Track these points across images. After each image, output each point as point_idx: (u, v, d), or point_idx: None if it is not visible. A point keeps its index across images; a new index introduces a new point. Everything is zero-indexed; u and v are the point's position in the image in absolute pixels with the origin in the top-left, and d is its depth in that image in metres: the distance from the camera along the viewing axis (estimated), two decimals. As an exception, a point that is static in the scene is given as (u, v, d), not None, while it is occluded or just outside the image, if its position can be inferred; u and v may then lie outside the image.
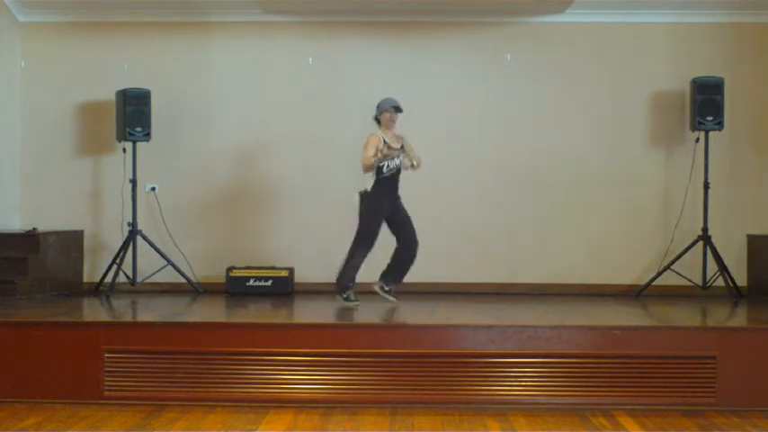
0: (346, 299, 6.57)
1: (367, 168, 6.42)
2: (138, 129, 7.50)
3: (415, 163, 6.53)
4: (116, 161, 7.78)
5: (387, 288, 6.75)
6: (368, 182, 6.51)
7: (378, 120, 6.60)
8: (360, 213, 6.56)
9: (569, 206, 7.76)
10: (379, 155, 6.33)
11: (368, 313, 6.08)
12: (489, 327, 5.64)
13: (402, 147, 6.58)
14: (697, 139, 7.50)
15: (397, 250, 6.71)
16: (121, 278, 7.49)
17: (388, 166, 6.46)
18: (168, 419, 5.19)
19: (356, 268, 6.58)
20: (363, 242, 6.54)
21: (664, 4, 7.67)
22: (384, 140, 6.47)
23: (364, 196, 6.52)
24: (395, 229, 6.67)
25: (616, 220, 7.75)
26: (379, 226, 6.56)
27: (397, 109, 6.56)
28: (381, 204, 6.52)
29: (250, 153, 7.91)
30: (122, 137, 7.54)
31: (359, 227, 6.57)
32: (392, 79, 7.63)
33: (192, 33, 7.93)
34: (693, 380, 5.49)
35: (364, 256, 6.58)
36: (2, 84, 7.81)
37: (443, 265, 7.70)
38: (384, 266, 6.76)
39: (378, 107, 6.60)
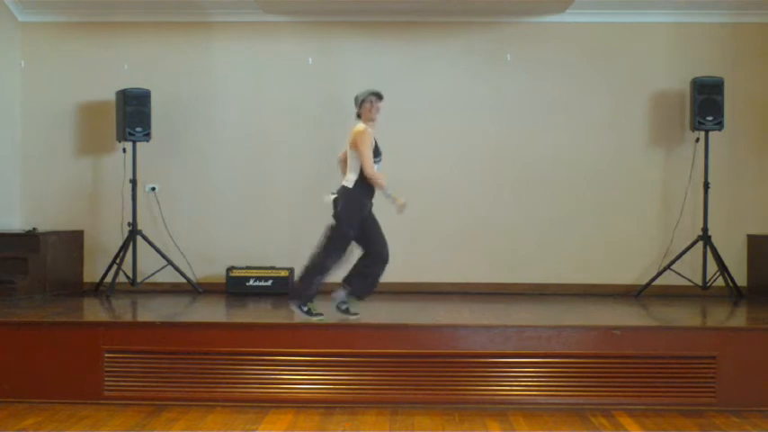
0: (308, 312, 5.82)
1: (374, 180, 5.74)
2: (138, 129, 7.51)
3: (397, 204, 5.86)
4: (116, 161, 7.78)
5: (344, 307, 5.95)
6: (343, 180, 5.93)
7: (359, 114, 5.90)
8: (337, 214, 5.85)
9: (569, 206, 7.76)
10: (395, 195, 5.73)
11: (367, 313, 6.07)
12: (489, 327, 5.65)
13: None
14: (697, 139, 7.50)
15: (363, 262, 5.95)
16: (121, 278, 7.49)
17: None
18: (168, 419, 5.19)
19: (325, 276, 5.86)
20: (340, 247, 5.82)
21: (664, 4, 7.68)
22: (375, 140, 5.83)
23: (342, 195, 5.84)
24: (363, 238, 5.91)
25: (616, 219, 7.75)
26: (356, 230, 5.83)
27: (378, 95, 5.86)
28: (363, 205, 5.87)
29: (250, 153, 7.91)
30: (122, 137, 7.54)
31: (334, 230, 5.84)
32: (392, 79, 7.63)
33: (192, 33, 7.93)
34: (693, 380, 5.49)
35: (336, 264, 5.85)
36: (2, 84, 7.81)
37: (443, 265, 7.70)
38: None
39: (356, 100, 5.91)
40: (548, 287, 7.68)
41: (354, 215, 5.83)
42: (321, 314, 5.84)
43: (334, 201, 5.90)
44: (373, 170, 5.76)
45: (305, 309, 5.84)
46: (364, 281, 5.95)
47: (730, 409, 5.41)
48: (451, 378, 5.53)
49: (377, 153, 5.86)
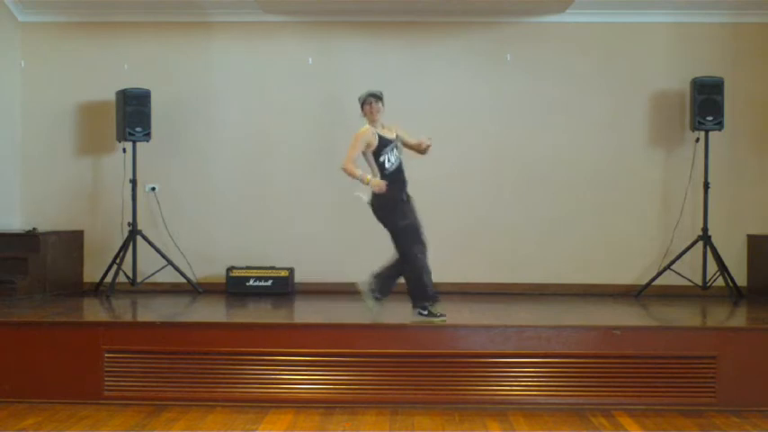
0: (429, 314, 5.85)
1: (347, 172, 5.84)
2: (138, 129, 7.50)
3: (422, 142, 6.03)
4: (116, 161, 7.78)
5: (378, 296, 6.05)
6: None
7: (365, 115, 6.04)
8: (383, 219, 5.92)
9: (569, 206, 7.76)
10: (366, 178, 5.81)
11: (368, 313, 6.07)
12: (489, 327, 5.65)
13: (397, 136, 6.04)
14: (697, 139, 7.50)
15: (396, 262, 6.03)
16: (121, 278, 7.49)
17: (389, 159, 5.89)
18: (168, 419, 5.20)
19: (429, 272, 5.95)
20: (411, 239, 5.88)
21: (664, 4, 7.68)
22: (378, 135, 5.90)
23: (374, 200, 5.88)
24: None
25: (616, 219, 7.74)
26: (408, 217, 5.89)
27: (375, 96, 5.97)
28: (397, 197, 5.89)
29: (250, 153, 7.91)
30: (122, 137, 7.54)
31: (395, 234, 5.90)
32: (392, 79, 7.62)
33: (192, 33, 7.93)
34: (693, 380, 5.50)
35: (425, 255, 5.93)
36: (2, 84, 7.81)
37: (443, 265, 7.65)
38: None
39: (359, 101, 6.05)
40: (548, 287, 7.68)
41: (395, 211, 5.88)
42: (444, 315, 5.87)
43: (372, 206, 5.92)
44: (349, 165, 5.82)
45: (425, 312, 5.87)
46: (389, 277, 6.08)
47: (730, 409, 5.42)
48: (451, 378, 5.53)
49: (384, 145, 5.89)
